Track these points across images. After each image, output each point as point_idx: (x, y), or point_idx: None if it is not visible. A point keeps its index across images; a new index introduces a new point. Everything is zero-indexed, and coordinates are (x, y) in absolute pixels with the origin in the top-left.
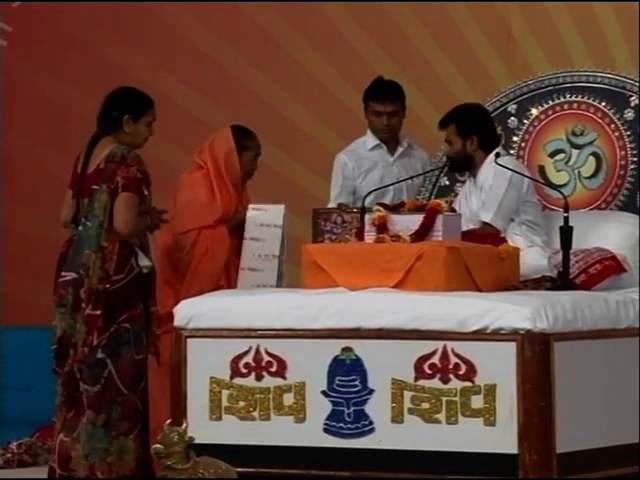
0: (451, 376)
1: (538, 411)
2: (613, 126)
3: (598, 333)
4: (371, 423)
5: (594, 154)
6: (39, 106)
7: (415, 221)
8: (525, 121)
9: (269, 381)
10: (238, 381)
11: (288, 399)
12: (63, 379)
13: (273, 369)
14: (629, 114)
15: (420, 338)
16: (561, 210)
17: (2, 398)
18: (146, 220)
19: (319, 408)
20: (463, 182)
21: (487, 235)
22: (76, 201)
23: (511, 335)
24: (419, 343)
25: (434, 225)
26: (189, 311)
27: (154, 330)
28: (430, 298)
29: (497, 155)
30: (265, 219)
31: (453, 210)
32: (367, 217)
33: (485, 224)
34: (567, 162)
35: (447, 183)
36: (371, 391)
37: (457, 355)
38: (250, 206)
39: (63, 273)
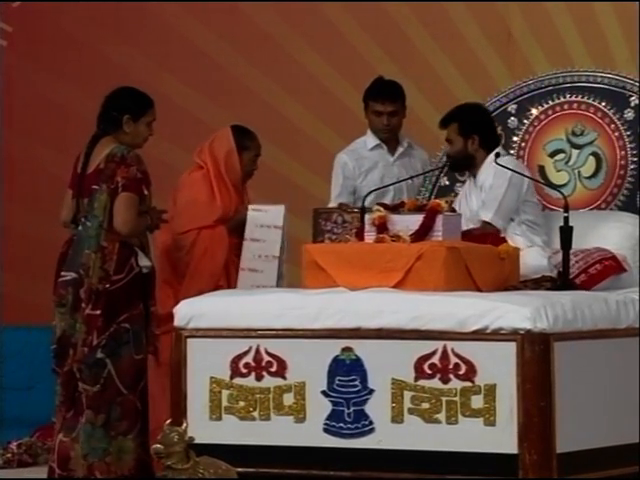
0: (451, 376)
1: (538, 411)
2: (613, 126)
3: (598, 333)
4: (371, 423)
5: (594, 154)
6: (39, 106)
7: (415, 221)
8: (525, 121)
9: (269, 381)
10: (238, 381)
11: (288, 399)
12: (62, 379)
13: (273, 369)
14: (629, 114)
15: (420, 338)
16: (561, 210)
17: (2, 398)
18: (146, 220)
19: (319, 408)
20: (463, 182)
21: (487, 235)
22: (76, 201)
23: (511, 335)
24: (419, 343)
25: (434, 225)
26: (189, 311)
27: (153, 330)
28: (430, 298)
29: (497, 155)
30: (265, 220)
31: (453, 210)
32: (367, 217)
33: (485, 223)
34: (567, 162)
35: (447, 183)
36: (371, 391)
37: (457, 355)
38: (250, 207)
39: (63, 273)
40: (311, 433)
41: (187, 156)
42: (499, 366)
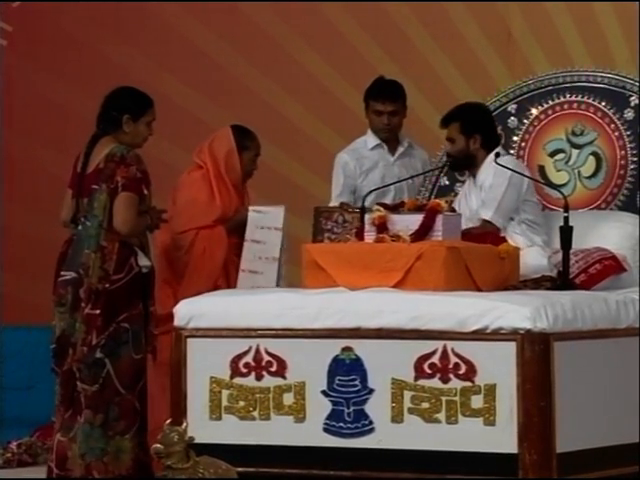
0: (451, 376)
1: (538, 411)
2: (613, 126)
3: (598, 333)
4: (371, 423)
5: (594, 154)
6: (39, 106)
7: (415, 221)
8: (525, 121)
9: (269, 381)
10: (238, 381)
11: (288, 399)
12: (62, 378)
13: (273, 369)
14: (629, 114)
15: (420, 338)
16: (561, 210)
17: (2, 398)
18: (146, 220)
19: (319, 408)
20: (463, 182)
21: (487, 235)
22: (76, 201)
23: (511, 335)
24: (419, 343)
25: (434, 225)
26: (189, 311)
27: (152, 330)
28: (430, 298)
29: (497, 155)
30: (266, 222)
31: (453, 210)
32: (367, 217)
33: (485, 222)
34: (567, 162)
35: (447, 183)
36: (371, 391)
37: (457, 355)
38: (250, 208)
39: (62, 272)
40: (311, 433)
41: (187, 156)
42: (499, 366)
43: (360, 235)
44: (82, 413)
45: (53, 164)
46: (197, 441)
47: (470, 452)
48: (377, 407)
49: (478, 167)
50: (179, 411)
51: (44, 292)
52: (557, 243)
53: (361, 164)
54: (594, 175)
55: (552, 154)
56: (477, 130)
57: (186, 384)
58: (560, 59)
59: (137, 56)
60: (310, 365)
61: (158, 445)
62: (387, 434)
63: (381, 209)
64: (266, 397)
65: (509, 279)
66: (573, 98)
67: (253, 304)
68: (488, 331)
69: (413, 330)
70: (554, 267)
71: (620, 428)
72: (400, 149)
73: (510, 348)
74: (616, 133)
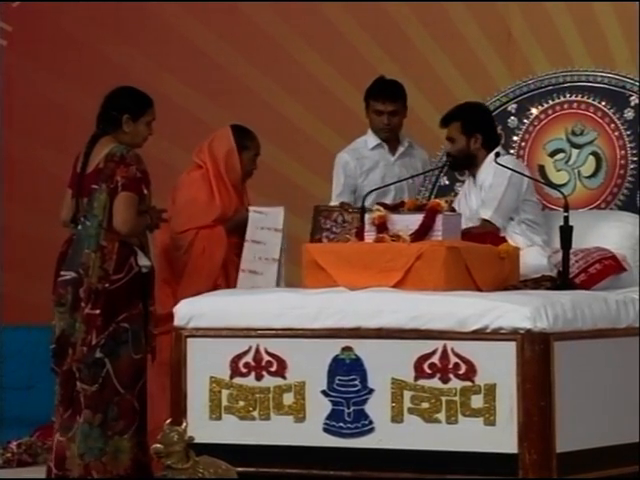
0: (451, 376)
1: (538, 411)
2: (613, 126)
3: (598, 333)
4: (371, 423)
5: (594, 154)
6: (39, 106)
7: (415, 221)
8: (525, 121)
9: (269, 381)
10: (238, 381)
11: (288, 399)
12: (61, 378)
13: (273, 369)
14: (629, 114)
15: (420, 338)
16: (561, 210)
17: (2, 398)
18: (146, 219)
19: (319, 408)
20: (463, 182)
21: (487, 234)
22: (75, 200)
23: (511, 335)
24: (419, 343)
25: (434, 225)
26: (189, 311)
27: (152, 330)
28: (430, 298)
29: (497, 154)
30: (266, 223)
31: (453, 210)
32: (367, 217)
33: (485, 221)
34: (567, 162)
35: (447, 183)
36: (371, 391)
37: (457, 355)
38: (251, 208)
39: (62, 272)
40: (311, 433)
41: (187, 156)
42: (499, 366)
43: (360, 235)
44: (81, 413)
45: (53, 164)
46: (197, 441)
47: (470, 452)
48: (377, 407)
49: (478, 167)
50: (179, 411)
51: (44, 292)
52: (557, 243)
53: (362, 164)
54: (594, 175)
55: (552, 154)
56: (478, 130)
57: (186, 384)
58: (560, 59)
59: (137, 56)
60: (310, 365)
61: (158, 445)
62: (387, 434)
63: (381, 209)
64: (266, 397)
65: (509, 279)
66: (573, 98)
67: (253, 304)
68: (488, 331)
69: (413, 330)
70: (554, 267)
71: (620, 428)
72: (400, 149)
73: (510, 348)
74: (616, 133)
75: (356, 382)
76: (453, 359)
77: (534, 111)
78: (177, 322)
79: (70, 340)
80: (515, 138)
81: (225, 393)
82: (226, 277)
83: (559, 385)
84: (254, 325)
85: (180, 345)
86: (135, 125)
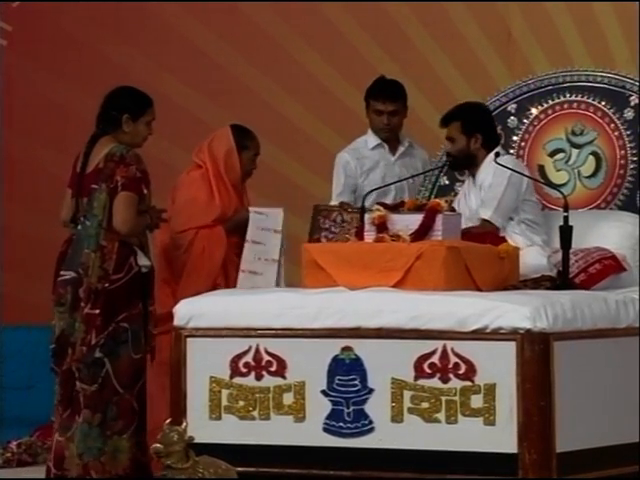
0: (451, 375)
1: (538, 411)
2: (613, 125)
3: (598, 332)
4: (371, 422)
5: (594, 153)
6: (39, 106)
7: (415, 220)
8: (525, 120)
9: (269, 380)
10: (238, 380)
11: (288, 399)
12: (61, 378)
13: (273, 369)
14: (629, 114)
15: (420, 337)
16: (561, 209)
17: (2, 397)
18: (145, 219)
19: (319, 407)
20: (463, 181)
21: (487, 234)
22: (75, 200)
23: (511, 334)
24: (419, 342)
25: (434, 225)
26: (189, 310)
27: (151, 330)
28: (430, 297)
29: (497, 154)
30: (266, 223)
31: (453, 209)
32: (367, 216)
33: (484, 221)
34: (567, 161)
35: (447, 182)
36: (371, 390)
37: (457, 354)
38: (251, 209)
39: (62, 272)
40: (311, 432)
41: (187, 156)
42: (499, 365)
43: (360, 235)
44: (80, 413)
45: (53, 164)
46: (197, 441)
47: (470, 452)
48: (377, 407)
49: (478, 167)
50: (179, 411)
51: (44, 292)
52: (557, 243)
53: (362, 164)
54: (594, 175)
55: (552, 154)
56: (478, 130)
57: (186, 384)
58: (560, 59)
59: (137, 56)
60: (310, 365)
61: (158, 445)
62: (387, 434)
63: (381, 209)
64: (266, 397)
65: (509, 279)
66: (573, 98)
67: (253, 304)
68: (488, 331)
69: (413, 330)
70: (554, 267)
71: (620, 428)
72: (401, 149)
73: (510, 348)
74: (616, 133)
75: (356, 382)
76: (453, 359)
77: (534, 111)
78: (177, 322)
79: (70, 340)
80: (515, 138)
81: (225, 393)
82: (226, 277)
83: (559, 385)
84: (254, 325)
85: (180, 345)
86: (135, 125)
